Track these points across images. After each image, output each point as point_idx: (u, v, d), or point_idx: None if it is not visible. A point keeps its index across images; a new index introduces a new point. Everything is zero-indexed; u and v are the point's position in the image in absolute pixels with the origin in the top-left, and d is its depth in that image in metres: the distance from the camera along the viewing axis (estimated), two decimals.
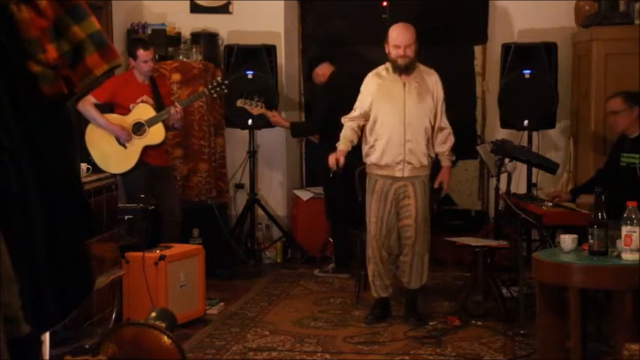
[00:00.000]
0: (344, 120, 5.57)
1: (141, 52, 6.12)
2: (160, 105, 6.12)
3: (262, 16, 7.43)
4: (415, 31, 5.45)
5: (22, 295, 2.05)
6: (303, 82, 7.81)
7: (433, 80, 5.48)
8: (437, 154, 5.49)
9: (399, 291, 5.70)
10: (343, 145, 5.50)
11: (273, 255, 7.37)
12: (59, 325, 2.33)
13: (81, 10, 2.23)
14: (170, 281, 5.30)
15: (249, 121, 7.05)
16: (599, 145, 6.36)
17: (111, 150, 6.05)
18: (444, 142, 5.47)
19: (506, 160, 5.56)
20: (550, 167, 5.73)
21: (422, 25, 5.66)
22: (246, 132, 7.28)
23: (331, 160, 5.47)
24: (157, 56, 6.75)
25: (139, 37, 6.95)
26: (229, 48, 7.17)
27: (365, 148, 5.50)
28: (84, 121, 6.00)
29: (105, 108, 6.07)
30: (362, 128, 5.51)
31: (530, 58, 6.70)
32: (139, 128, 6.06)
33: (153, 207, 5.75)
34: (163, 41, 7.13)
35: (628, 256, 3.96)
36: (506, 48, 6.79)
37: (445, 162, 5.50)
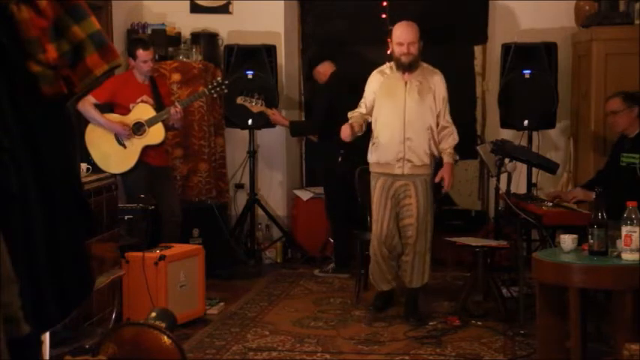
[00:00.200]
0: (351, 113, 5.57)
1: (140, 52, 6.12)
2: (159, 105, 6.12)
3: (262, 16, 7.43)
4: (419, 30, 5.46)
5: (22, 295, 2.05)
6: (303, 82, 7.81)
7: (436, 79, 5.49)
8: (440, 154, 5.50)
9: (399, 291, 5.71)
10: (353, 119, 5.46)
11: (273, 255, 7.37)
12: (59, 325, 2.33)
13: (81, 10, 2.23)
14: (170, 281, 5.30)
15: (249, 121, 7.05)
16: (599, 145, 6.36)
17: (111, 150, 6.05)
18: (446, 140, 5.47)
19: (506, 160, 5.56)
20: (550, 167, 5.73)
21: (422, 25, 5.66)
22: (246, 132, 7.28)
23: (344, 129, 5.42)
24: (156, 56, 6.75)
25: (138, 37, 6.95)
26: (229, 48, 7.18)
27: (369, 146, 5.52)
28: (84, 121, 6.00)
29: (105, 108, 6.07)
30: (368, 125, 5.52)
31: (530, 58, 6.70)
32: (138, 128, 6.06)
33: (153, 207, 5.75)
34: (163, 41, 7.13)
35: (628, 256, 3.97)
36: (507, 48, 6.80)
37: (447, 159, 5.48)
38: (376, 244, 5.49)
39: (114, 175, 5.50)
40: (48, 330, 2.56)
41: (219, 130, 7.27)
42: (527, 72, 6.67)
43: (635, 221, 3.92)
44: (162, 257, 5.28)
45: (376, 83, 5.51)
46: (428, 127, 5.43)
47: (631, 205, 3.97)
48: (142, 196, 5.77)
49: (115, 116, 6.07)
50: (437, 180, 5.49)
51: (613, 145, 5.85)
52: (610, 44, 6.34)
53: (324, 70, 6.89)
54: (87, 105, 5.89)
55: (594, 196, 5.28)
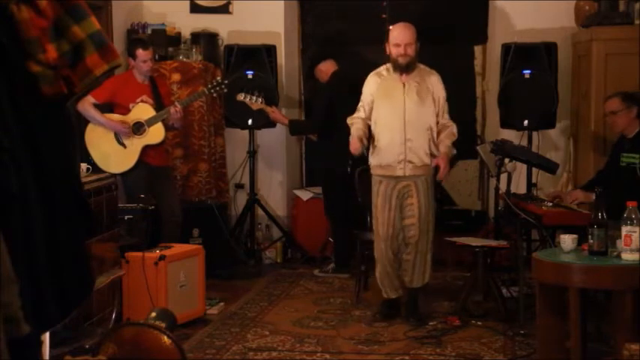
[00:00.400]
0: (351, 119, 5.56)
1: (140, 52, 6.12)
2: (159, 105, 6.12)
3: (262, 16, 7.43)
4: (416, 31, 5.46)
5: (22, 295, 2.05)
6: (303, 82, 7.81)
7: (433, 80, 5.49)
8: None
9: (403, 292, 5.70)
10: (357, 131, 5.43)
11: (273, 255, 7.37)
12: (59, 325, 2.33)
13: (81, 10, 2.23)
14: (170, 281, 5.30)
15: (249, 121, 7.06)
16: (599, 145, 6.36)
17: (111, 150, 6.05)
18: (446, 134, 5.45)
19: (506, 160, 5.56)
20: (550, 167, 5.73)
21: (422, 25, 5.67)
22: (246, 132, 7.29)
23: (352, 146, 5.40)
24: (156, 56, 6.76)
25: (138, 37, 6.95)
26: (229, 48, 7.18)
27: (370, 149, 5.51)
28: (84, 121, 6.00)
29: (104, 108, 6.07)
30: (369, 128, 5.52)
31: (530, 58, 6.70)
32: (138, 128, 6.06)
33: (153, 207, 5.75)
34: (163, 41, 7.13)
35: (628, 256, 3.96)
36: (506, 48, 6.80)
37: (442, 149, 5.44)
38: (383, 248, 5.47)
39: (114, 175, 5.50)
40: (48, 330, 2.56)
41: (219, 130, 7.26)
42: (527, 72, 6.67)
43: (635, 221, 3.92)
44: (162, 257, 5.28)
45: (374, 85, 5.51)
46: (428, 128, 5.43)
47: (631, 205, 3.97)
48: (142, 196, 5.77)
49: (114, 116, 6.07)
50: (433, 165, 5.44)
51: (613, 145, 5.85)
52: (610, 44, 6.34)
53: (327, 68, 6.88)
54: (86, 105, 5.89)
55: (594, 197, 5.31)
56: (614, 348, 4.12)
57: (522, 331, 5.11)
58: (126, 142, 6.06)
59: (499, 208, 5.93)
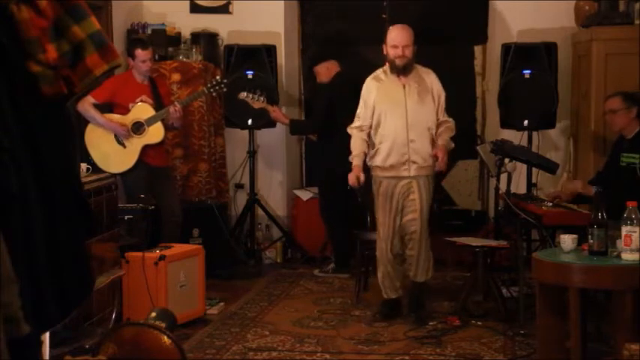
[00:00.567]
0: (350, 130, 5.56)
1: (139, 52, 6.12)
2: (159, 105, 6.12)
3: (262, 16, 7.43)
4: (413, 33, 5.46)
5: (22, 295, 2.04)
6: (303, 82, 7.81)
7: (431, 79, 5.52)
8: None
9: (403, 292, 5.70)
10: (358, 159, 5.50)
11: (273, 255, 7.37)
12: (59, 325, 2.33)
13: (81, 10, 2.23)
14: (170, 281, 5.30)
15: (249, 121, 7.07)
16: (599, 145, 6.36)
17: (110, 150, 6.05)
18: (444, 130, 5.47)
19: (506, 160, 5.56)
20: (550, 167, 5.73)
21: (422, 26, 5.67)
22: (246, 132, 7.29)
23: (351, 179, 5.47)
24: (156, 56, 6.76)
25: (137, 37, 6.95)
26: (229, 48, 7.18)
27: (370, 152, 5.50)
28: (84, 122, 6.00)
29: (104, 108, 6.07)
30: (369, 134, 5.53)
31: (530, 58, 6.70)
32: (138, 128, 6.06)
33: (153, 207, 5.75)
34: (163, 41, 7.13)
35: (628, 256, 3.96)
36: (506, 48, 6.80)
37: (441, 141, 5.44)
38: (384, 248, 5.47)
39: (114, 175, 5.50)
40: (48, 330, 2.56)
41: (219, 130, 7.26)
42: (527, 72, 6.68)
43: (635, 221, 3.92)
44: (162, 257, 5.28)
45: (373, 90, 5.50)
46: (429, 127, 5.45)
47: (631, 205, 3.97)
48: (142, 196, 5.77)
49: (114, 116, 6.07)
50: (432, 155, 5.44)
51: (612, 145, 5.85)
52: (610, 44, 6.34)
53: (328, 69, 6.87)
54: (86, 105, 5.90)
55: (594, 192, 5.33)
56: (614, 348, 4.12)
57: (522, 331, 5.11)
58: (125, 142, 6.06)
59: (499, 208, 5.93)
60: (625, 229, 3.95)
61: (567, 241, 4.25)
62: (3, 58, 2.09)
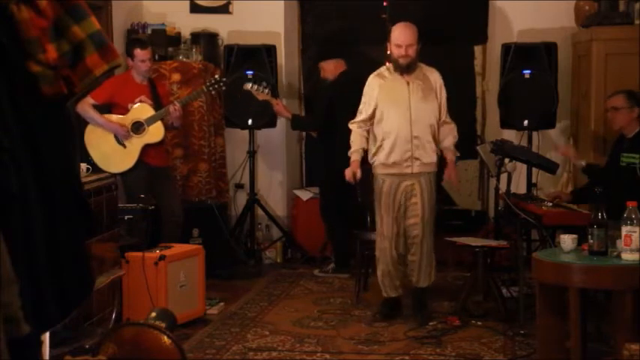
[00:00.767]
0: (351, 125, 5.56)
1: (138, 52, 6.12)
2: (158, 105, 6.12)
3: (262, 16, 7.43)
4: (417, 31, 5.46)
5: (22, 295, 2.04)
6: (303, 82, 7.81)
7: (435, 77, 5.53)
8: (441, 151, 5.51)
9: (404, 291, 5.69)
10: (357, 154, 5.51)
11: (273, 255, 7.37)
12: (59, 325, 2.33)
13: (81, 10, 2.23)
14: (170, 281, 5.30)
15: (249, 121, 7.07)
16: (599, 145, 6.36)
17: (110, 150, 6.05)
18: (448, 136, 5.49)
19: (506, 160, 5.56)
20: (550, 167, 5.73)
21: (422, 26, 5.66)
22: (246, 132, 7.29)
23: (348, 174, 5.48)
24: (156, 56, 6.76)
25: (136, 36, 6.95)
26: (229, 48, 7.18)
27: (372, 149, 5.50)
28: (84, 122, 6.00)
29: (104, 109, 6.07)
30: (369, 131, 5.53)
31: (530, 58, 6.70)
32: (138, 127, 6.06)
33: (153, 207, 5.75)
34: (163, 41, 7.13)
35: (628, 256, 3.96)
36: (506, 48, 6.80)
37: (450, 156, 5.50)
38: (388, 247, 5.47)
39: (114, 175, 5.50)
40: (48, 330, 2.56)
41: (219, 130, 7.27)
42: (527, 72, 6.68)
43: (635, 221, 3.92)
44: (162, 257, 5.28)
45: (376, 87, 5.51)
46: (432, 125, 5.46)
47: (631, 205, 3.97)
48: (142, 196, 5.77)
49: (113, 117, 6.07)
50: (446, 178, 5.50)
51: (612, 145, 5.84)
52: (610, 44, 6.34)
53: (336, 66, 6.85)
54: (86, 106, 5.89)
55: (581, 166, 5.43)
56: (614, 348, 4.12)
57: (522, 331, 5.11)
58: (125, 142, 6.06)
59: (499, 208, 5.93)
60: (625, 229, 3.95)
61: (567, 241, 4.26)
62: (3, 58, 2.09)
